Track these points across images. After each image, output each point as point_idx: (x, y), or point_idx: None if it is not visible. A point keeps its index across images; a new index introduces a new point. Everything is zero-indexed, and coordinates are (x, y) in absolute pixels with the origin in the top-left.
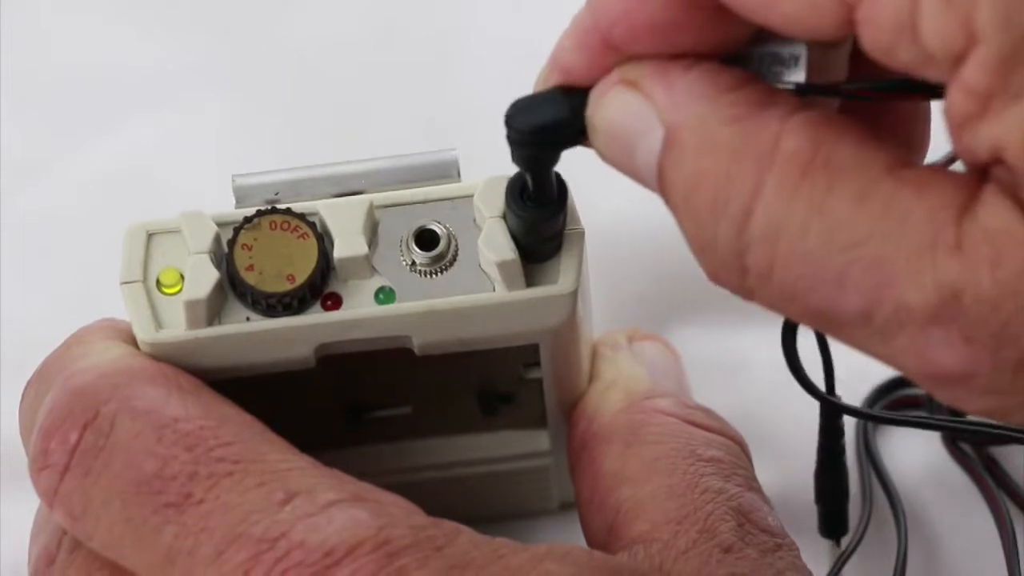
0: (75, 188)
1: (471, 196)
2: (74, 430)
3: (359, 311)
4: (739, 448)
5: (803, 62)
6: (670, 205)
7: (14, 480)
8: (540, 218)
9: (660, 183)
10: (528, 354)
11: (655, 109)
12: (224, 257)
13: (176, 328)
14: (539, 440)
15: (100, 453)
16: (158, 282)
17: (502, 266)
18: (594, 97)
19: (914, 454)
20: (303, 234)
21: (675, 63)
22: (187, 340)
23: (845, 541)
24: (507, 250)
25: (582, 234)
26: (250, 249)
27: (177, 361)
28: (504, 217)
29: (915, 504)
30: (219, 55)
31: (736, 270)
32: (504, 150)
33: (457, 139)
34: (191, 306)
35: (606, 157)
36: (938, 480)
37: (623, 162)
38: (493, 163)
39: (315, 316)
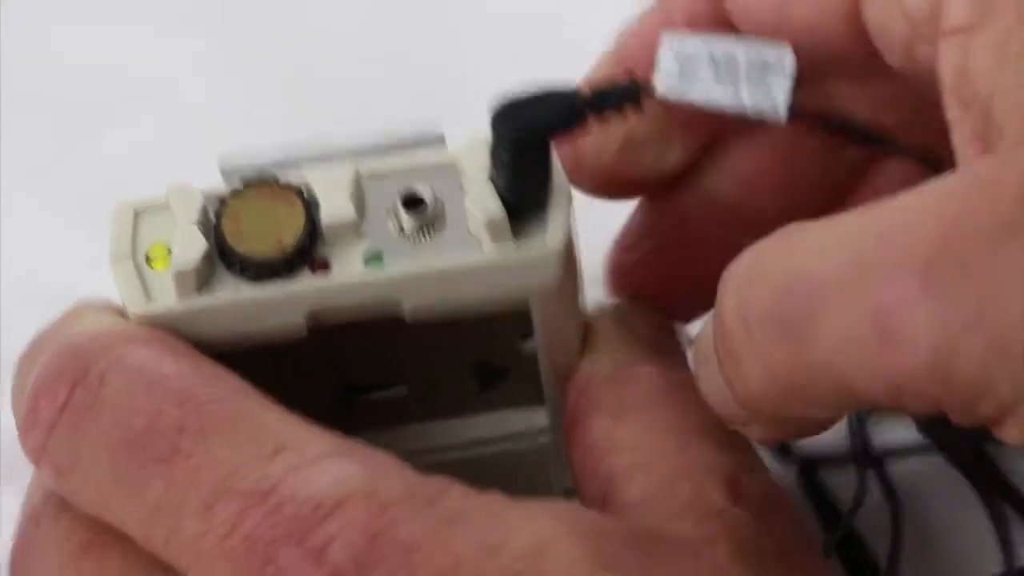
0: (74, 185)
1: (456, 162)
2: (64, 388)
3: (348, 275)
4: None
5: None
6: None
7: (14, 475)
8: (527, 179)
9: None
10: (524, 325)
11: None
12: (212, 227)
13: (166, 300)
14: (537, 417)
15: (90, 409)
16: (147, 258)
17: (490, 225)
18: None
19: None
20: (291, 202)
21: None
22: (178, 311)
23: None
24: (495, 209)
25: (568, 191)
26: (238, 218)
27: (169, 330)
28: (491, 178)
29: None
30: (219, 50)
31: None
32: None
33: (459, 122)
34: (180, 276)
35: None
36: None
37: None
38: None
39: (305, 282)
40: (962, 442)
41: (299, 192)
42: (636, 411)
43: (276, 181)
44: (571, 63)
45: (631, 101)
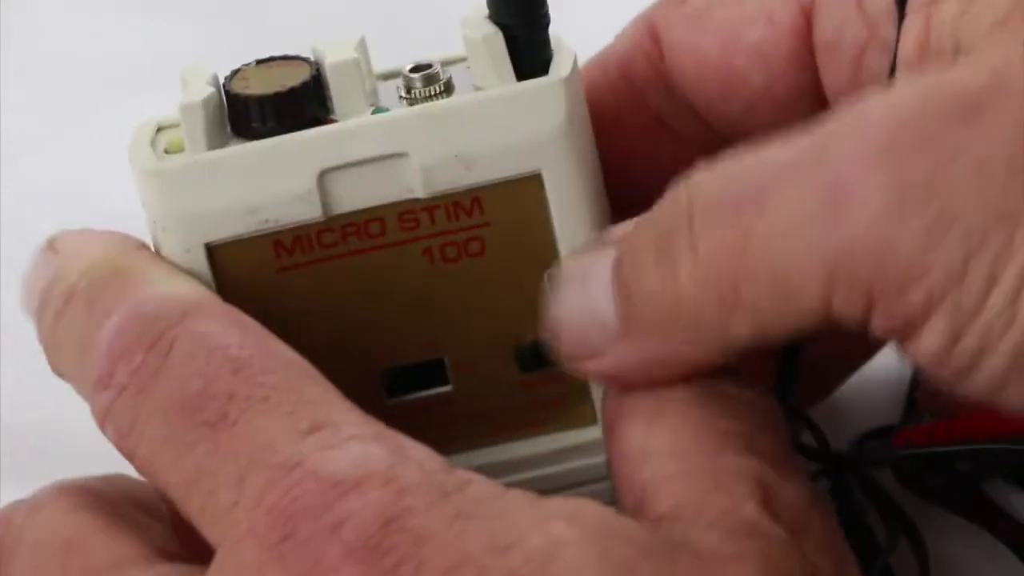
0: (72, 173)
1: (464, 58)
2: (139, 352)
3: (355, 121)
4: (765, 405)
5: None
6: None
7: (14, 470)
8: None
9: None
10: (551, 255)
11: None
12: (221, 86)
13: (176, 159)
14: (590, 433)
15: (155, 374)
16: (165, 150)
17: (485, 42)
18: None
19: None
20: (299, 65)
21: None
22: (188, 165)
23: None
24: (488, 27)
25: (572, 51)
26: (246, 78)
27: (180, 203)
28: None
29: None
30: (217, 43)
31: None
32: None
33: None
34: (188, 113)
35: (566, 312)
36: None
37: (579, 301)
38: None
39: (311, 131)
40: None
41: (308, 60)
42: (671, 418)
43: (286, 56)
44: None
45: None
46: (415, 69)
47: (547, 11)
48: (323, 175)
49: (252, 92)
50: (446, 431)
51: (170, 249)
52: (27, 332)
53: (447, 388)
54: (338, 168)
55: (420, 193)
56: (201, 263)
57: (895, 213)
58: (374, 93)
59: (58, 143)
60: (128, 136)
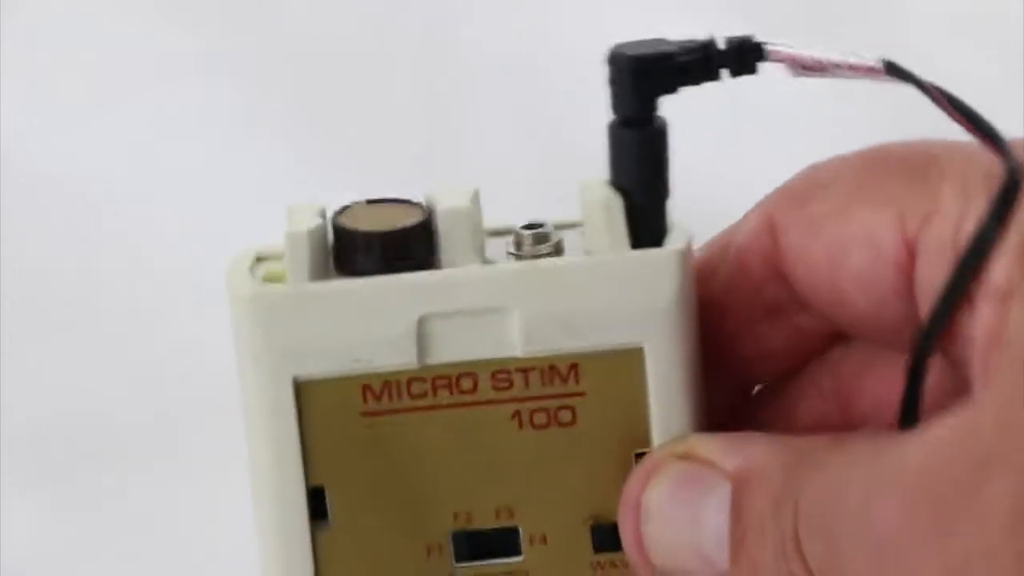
0: (72, 172)
1: (579, 224)
2: None
3: (461, 270)
4: None
5: None
6: (746, 539)
7: (14, 475)
8: (637, 153)
9: (736, 516)
10: (642, 438)
11: (715, 468)
12: (329, 221)
13: (277, 287)
14: None
15: None
16: (263, 278)
17: (604, 206)
18: (638, 484)
19: None
20: (409, 207)
21: (719, 433)
22: (288, 295)
23: None
24: (608, 192)
25: (690, 235)
26: (355, 215)
27: (274, 332)
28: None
29: None
30: (219, 43)
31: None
32: (505, 117)
33: (456, 117)
34: (293, 242)
35: (664, 539)
36: None
37: (685, 534)
38: (495, 128)
39: (415, 275)
40: None
41: (420, 205)
42: None
43: (397, 199)
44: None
45: (747, 59)
46: (527, 227)
47: (668, 182)
48: (422, 320)
49: (360, 228)
50: None
51: (257, 379)
52: (27, 331)
53: (518, 559)
54: (438, 316)
55: (518, 351)
56: (287, 397)
57: None
58: (483, 247)
59: (58, 143)
60: (131, 136)
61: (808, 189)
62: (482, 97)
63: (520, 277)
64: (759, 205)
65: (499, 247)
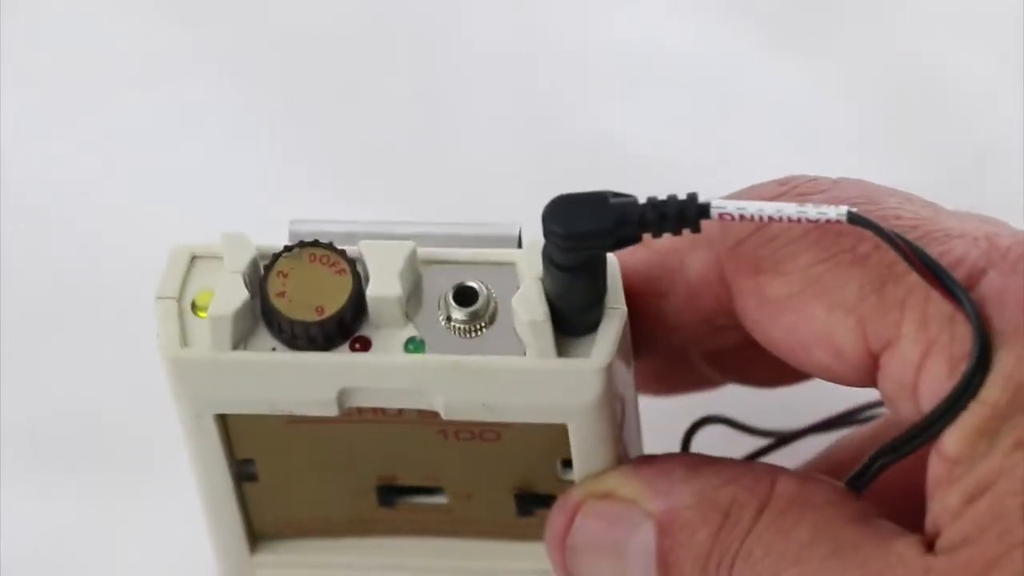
0: (73, 170)
1: (516, 262)
2: None
3: (385, 357)
4: None
5: None
6: None
7: (14, 474)
8: (574, 285)
9: (663, 567)
10: (565, 450)
11: (636, 507)
12: (258, 280)
13: (201, 348)
14: None
15: None
16: (193, 304)
17: (532, 326)
18: (561, 524)
19: None
20: (341, 270)
21: (640, 466)
22: (209, 361)
23: None
24: (539, 311)
25: (623, 314)
26: (285, 276)
27: (199, 386)
28: (542, 279)
29: None
30: (215, 42)
31: None
32: (498, 130)
33: (447, 118)
34: (216, 322)
35: (593, 574)
36: None
37: (612, 571)
38: (485, 139)
39: (340, 356)
40: None
41: (351, 263)
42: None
43: (331, 246)
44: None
45: (689, 219)
46: (459, 295)
47: (603, 288)
48: (344, 390)
49: (287, 315)
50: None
51: (180, 409)
52: (27, 329)
53: (442, 499)
54: (360, 389)
55: (443, 416)
56: (209, 423)
57: None
58: (419, 286)
59: (58, 142)
60: (129, 136)
61: (759, 252)
62: (478, 94)
63: (443, 372)
64: (706, 241)
65: (431, 308)
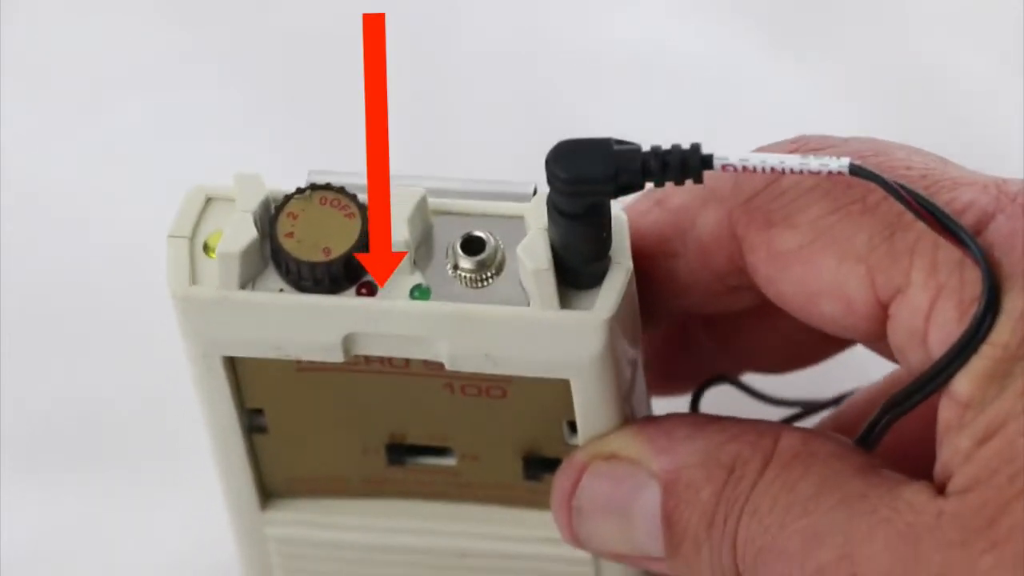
0: (73, 170)
1: (526, 215)
2: None
3: (390, 302)
4: None
5: None
6: (681, 547)
7: (15, 473)
8: (577, 232)
9: (669, 526)
10: (570, 412)
11: (641, 468)
12: (268, 220)
13: (209, 287)
14: None
15: None
16: (205, 245)
17: (536, 275)
18: (567, 485)
19: None
20: (350, 213)
21: (644, 426)
22: (216, 299)
23: None
24: (542, 259)
25: (629, 269)
26: (295, 218)
27: (206, 324)
28: (547, 230)
29: None
30: (214, 41)
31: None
32: (499, 129)
33: (447, 117)
34: (224, 260)
35: (599, 535)
36: None
37: (618, 531)
38: (485, 139)
39: (346, 299)
40: None
41: (362, 208)
42: None
43: (342, 190)
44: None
45: (692, 169)
46: (467, 244)
47: (608, 239)
48: (349, 336)
49: (294, 254)
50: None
51: (188, 351)
52: (27, 329)
53: (451, 461)
54: (366, 334)
55: (446, 366)
56: (217, 365)
57: None
58: (429, 235)
59: (58, 142)
60: (131, 135)
61: (771, 205)
62: (478, 94)
63: (447, 319)
64: (718, 198)
65: (440, 257)
